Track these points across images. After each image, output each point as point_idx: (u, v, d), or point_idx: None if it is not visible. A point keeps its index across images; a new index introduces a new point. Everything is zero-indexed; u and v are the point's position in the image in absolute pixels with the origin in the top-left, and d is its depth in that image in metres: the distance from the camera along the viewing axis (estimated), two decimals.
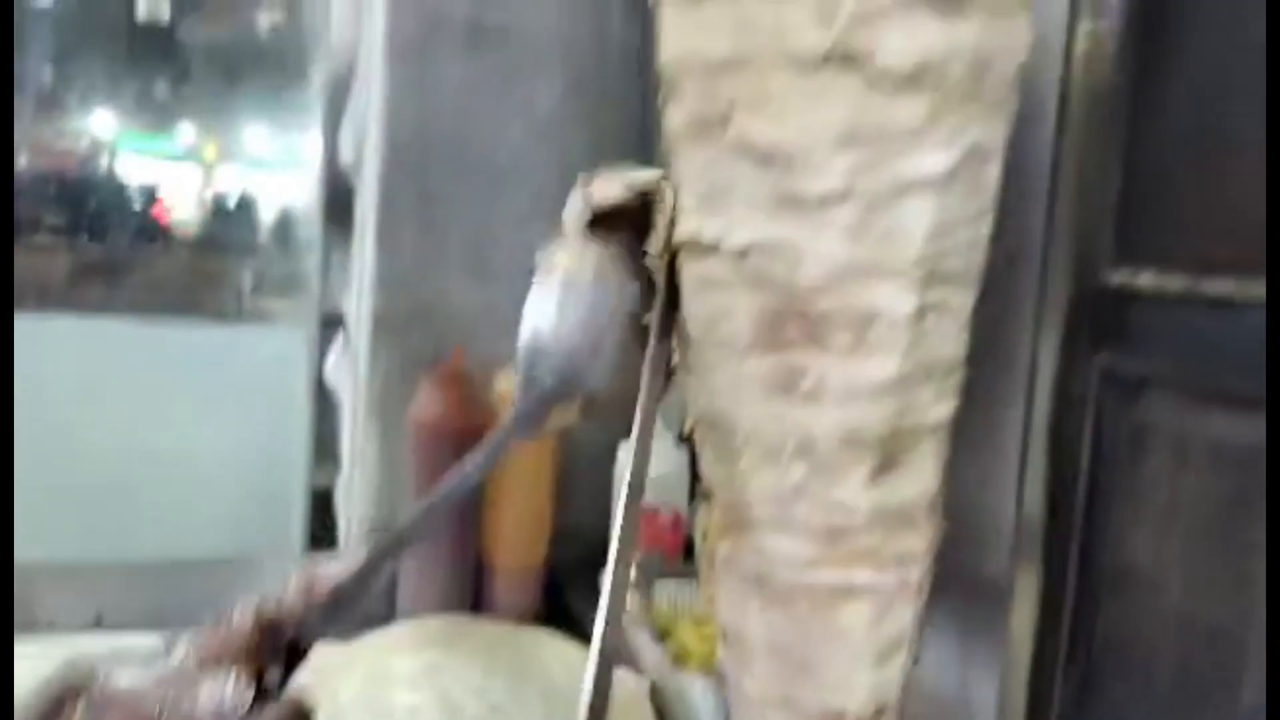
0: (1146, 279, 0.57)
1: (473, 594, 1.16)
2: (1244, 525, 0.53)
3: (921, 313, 0.40)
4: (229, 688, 0.43)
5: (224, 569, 1.19)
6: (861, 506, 0.42)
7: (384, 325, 1.20)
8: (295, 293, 1.65)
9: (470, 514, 1.16)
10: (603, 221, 0.50)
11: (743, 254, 0.40)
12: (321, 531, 1.46)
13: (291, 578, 0.53)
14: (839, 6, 0.37)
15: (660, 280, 0.46)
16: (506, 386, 1.14)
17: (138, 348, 1.50)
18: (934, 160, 0.39)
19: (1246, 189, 0.52)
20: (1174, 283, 0.55)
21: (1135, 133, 0.56)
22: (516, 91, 1.23)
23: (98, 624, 1.08)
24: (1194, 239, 0.54)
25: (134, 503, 1.30)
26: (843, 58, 0.37)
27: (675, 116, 0.43)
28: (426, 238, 1.20)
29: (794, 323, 0.40)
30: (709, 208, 0.42)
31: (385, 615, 1.15)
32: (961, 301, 0.42)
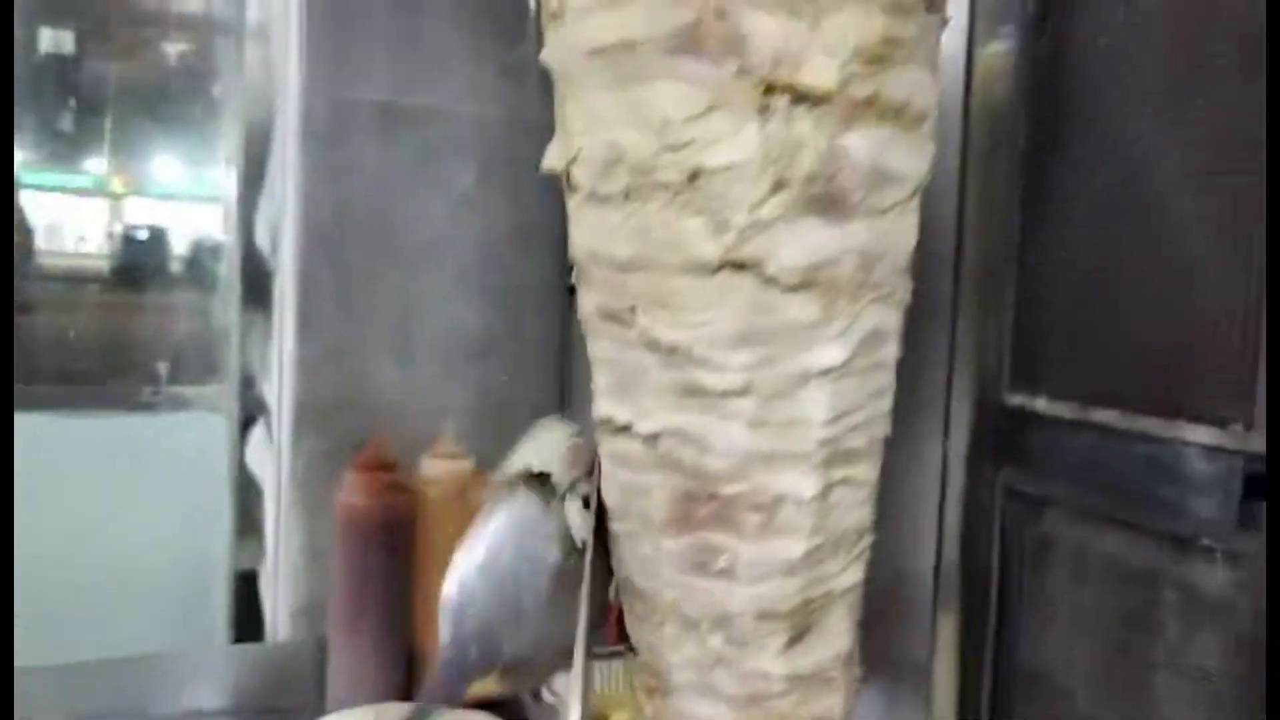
0: (1041, 403, 0.60)
1: (405, 681, 1.16)
2: (1142, 641, 0.56)
3: (826, 492, 0.42)
4: None
5: (151, 665, 1.17)
6: (777, 674, 0.44)
7: (306, 411, 1.19)
8: (212, 378, 1.63)
9: (402, 596, 1.15)
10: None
11: (653, 438, 0.42)
12: (246, 618, 1.44)
13: None
14: (731, 220, 0.39)
15: (589, 527, 0.47)
16: (431, 472, 1.15)
17: (51, 441, 1.47)
18: (830, 353, 0.41)
19: (1128, 326, 0.55)
20: (1065, 409, 0.58)
21: (1027, 271, 0.59)
22: (434, 171, 1.24)
23: None
24: (1081, 370, 0.57)
25: (54, 603, 1.27)
26: (736, 265, 0.39)
27: (587, 302, 0.44)
28: (347, 320, 1.20)
29: (705, 505, 0.42)
30: (621, 393, 0.43)
31: (316, 706, 1.14)
32: (866, 474, 0.44)
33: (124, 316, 1.70)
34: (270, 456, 1.29)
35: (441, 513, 1.16)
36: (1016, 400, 0.62)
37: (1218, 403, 0.49)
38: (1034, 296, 0.60)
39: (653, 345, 0.41)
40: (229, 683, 1.19)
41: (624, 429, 0.43)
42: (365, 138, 1.21)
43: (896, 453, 0.71)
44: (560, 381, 1.29)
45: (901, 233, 0.44)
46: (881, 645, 0.73)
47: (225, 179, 1.57)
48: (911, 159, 0.44)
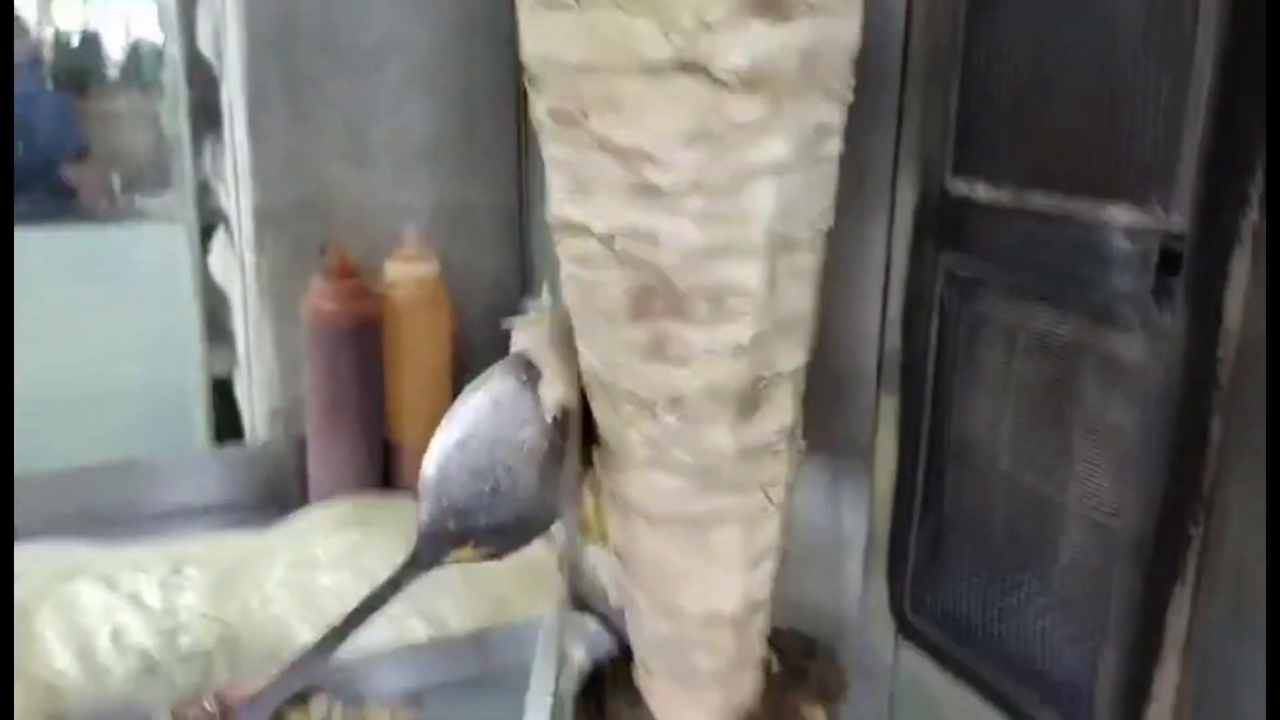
0: (980, 190, 0.63)
1: (382, 472, 1.22)
2: (1062, 407, 0.61)
3: (772, 282, 0.45)
4: None
5: (138, 469, 1.22)
6: (727, 448, 0.48)
7: (266, 218, 1.20)
8: (167, 189, 1.61)
9: (374, 394, 1.20)
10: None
11: (610, 237, 0.45)
12: (226, 422, 1.49)
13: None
14: (679, 21, 0.40)
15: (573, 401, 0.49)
16: (395, 275, 1.17)
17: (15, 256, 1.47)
18: (774, 149, 0.43)
19: (1062, 115, 0.57)
20: (1002, 195, 0.61)
21: (970, 65, 0.61)
22: None
23: (15, 536, 1.10)
24: (1018, 158, 0.60)
25: (38, 414, 1.31)
26: (685, 66, 0.41)
27: (540, 106, 0.46)
28: (299, 125, 1.19)
29: (660, 298, 0.45)
30: (578, 194, 0.45)
31: (300, 500, 1.20)
32: (810, 263, 0.47)
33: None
34: (234, 264, 1.31)
35: (408, 314, 1.19)
36: (958, 188, 0.64)
37: (1140, 186, 0.52)
38: (976, 89, 0.61)
39: (606, 146, 0.43)
40: (214, 482, 1.25)
41: (582, 229, 0.46)
42: None
43: (847, 242, 0.74)
44: (519, 182, 1.29)
45: (844, 31, 0.45)
46: (828, 424, 0.79)
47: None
48: None
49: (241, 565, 1.07)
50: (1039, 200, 0.60)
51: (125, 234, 1.56)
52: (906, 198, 0.68)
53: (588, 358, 0.49)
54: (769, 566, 0.52)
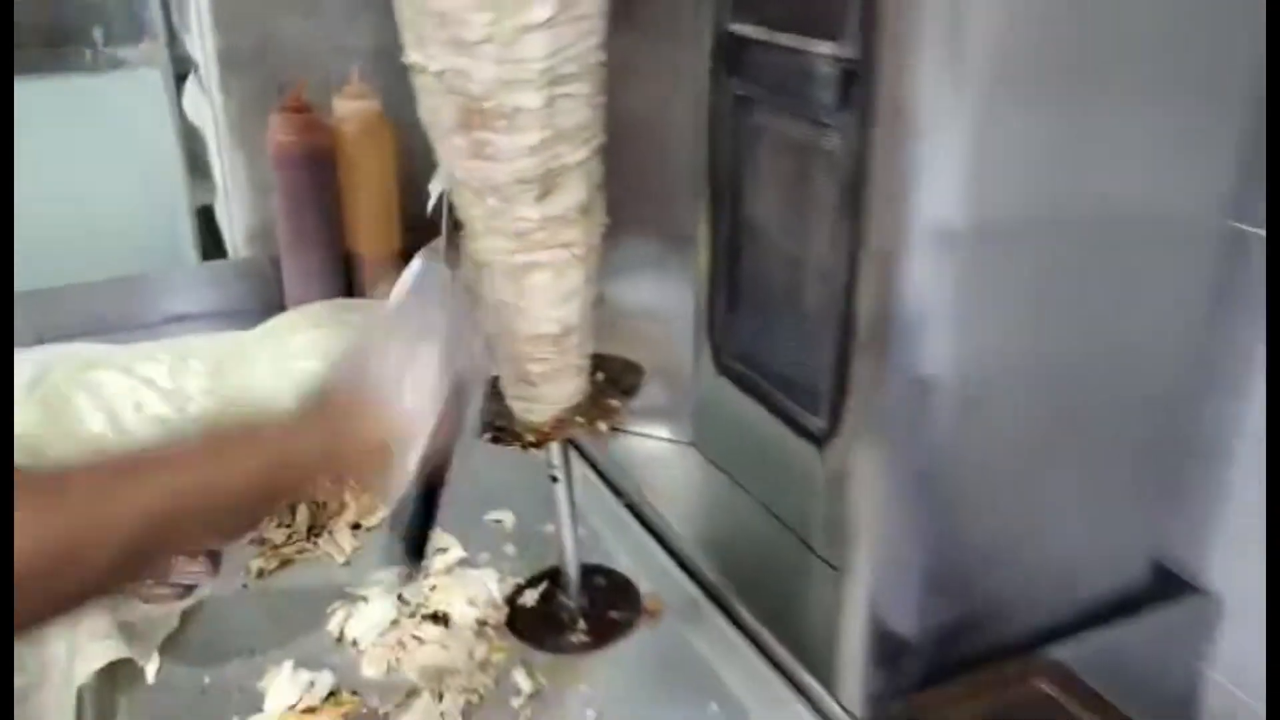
0: (750, 30, 0.84)
1: (345, 279, 1.45)
2: (802, 189, 0.83)
3: (550, 102, 0.66)
4: None
5: (135, 283, 1.45)
6: (533, 217, 0.71)
7: (229, 62, 1.39)
8: (142, 38, 1.79)
9: (332, 213, 1.42)
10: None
11: (440, 74, 0.66)
12: (210, 244, 1.71)
13: None
14: None
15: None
16: (344, 110, 1.37)
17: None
18: (541, 11, 0.63)
19: None
20: (763, 34, 0.82)
21: None
22: None
23: (39, 341, 1.34)
24: (771, 5, 0.80)
25: (46, 241, 1.53)
26: None
27: None
28: None
29: (475, 114, 0.66)
30: (417, 44, 0.66)
31: (278, 306, 1.44)
32: (582, 90, 0.68)
33: None
34: (205, 105, 1.51)
35: (356, 145, 1.40)
36: (737, 29, 0.85)
37: (833, 26, 0.73)
38: None
39: (430, 10, 0.64)
40: (205, 293, 1.49)
41: (423, 69, 0.67)
42: None
43: (668, 70, 0.96)
44: None
45: None
46: (659, 218, 1.02)
47: None
48: None
49: (234, 355, 1.31)
50: (783, 38, 0.81)
51: (109, 81, 1.74)
52: (705, 35, 0.89)
53: (444, 161, 0.71)
54: (577, 302, 0.76)
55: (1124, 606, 0.80)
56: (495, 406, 0.81)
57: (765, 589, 0.87)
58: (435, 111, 0.69)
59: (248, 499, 0.59)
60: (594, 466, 1.06)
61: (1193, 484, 0.84)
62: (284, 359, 1.32)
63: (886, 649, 0.71)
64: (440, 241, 0.79)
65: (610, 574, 0.94)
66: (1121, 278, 0.71)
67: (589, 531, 0.98)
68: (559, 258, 0.74)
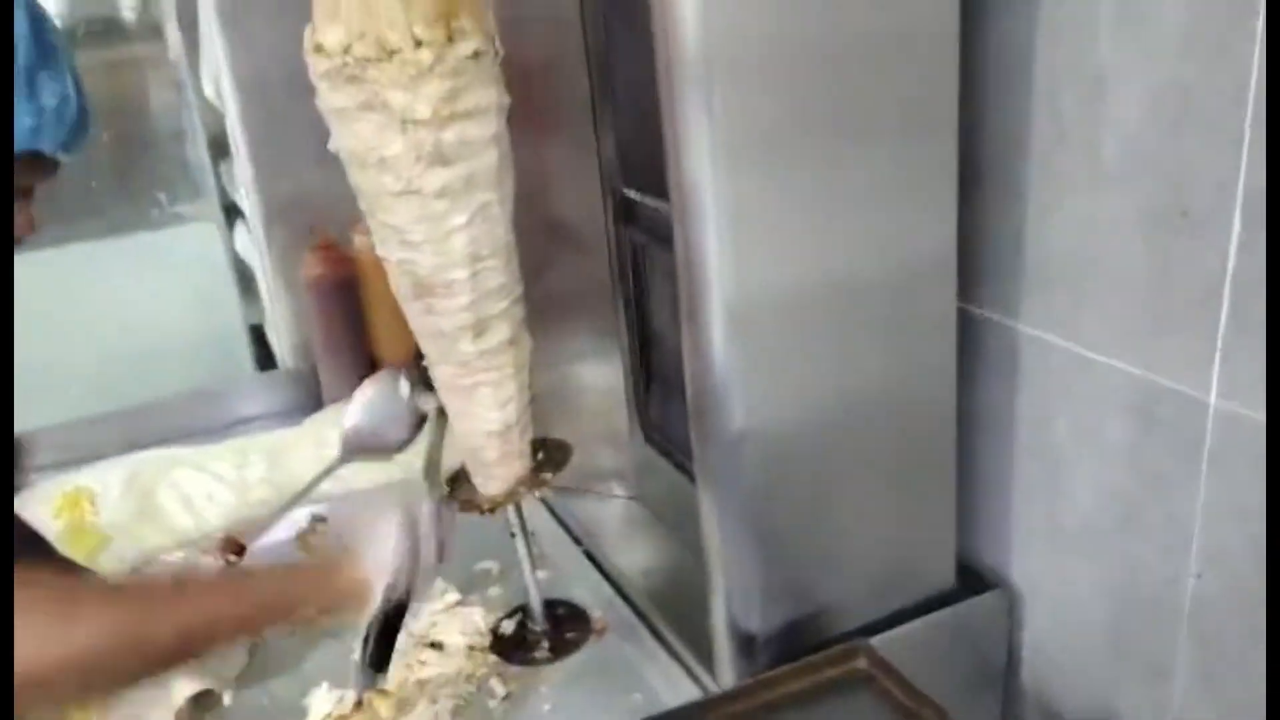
0: (634, 194, 1.14)
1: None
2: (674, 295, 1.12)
3: (474, 275, 0.96)
4: None
5: (203, 395, 1.78)
6: (472, 352, 1.00)
7: (268, 214, 1.73)
8: (199, 198, 2.17)
9: (359, 327, 1.74)
10: None
11: (399, 262, 0.95)
12: (263, 357, 2.06)
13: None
14: (403, 170, 0.91)
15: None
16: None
17: (93, 259, 2.06)
18: (457, 219, 0.93)
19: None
20: (640, 197, 1.12)
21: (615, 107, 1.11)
22: None
23: (132, 447, 1.66)
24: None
25: (125, 364, 1.88)
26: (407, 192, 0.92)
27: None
28: (283, 149, 1.70)
29: (423, 287, 0.97)
30: (382, 244, 0.97)
31: (318, 403, 1.75)
32: (496, 263, 0.97)
33: (124, 160, 2.22)
34: (253, 247, 1.85)
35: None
36: (628, 194, 1.15)
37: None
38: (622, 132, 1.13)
39: (388, 225, 0.94)
40: (260, 399, 1.82)
41: (387, 259, 0.97)
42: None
43: (591, 223, 1.25)
44: None
45: (486, 158, 0.96)
46: (592, 327, 1.31)
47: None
48: None
49: (284, 448, 1.63)
50: (649, 201, 1.11)
51: (173, 235, 2.13)
52: (609, 197, 1.19)
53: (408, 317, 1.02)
54: (513, 406, 1.05)
55: (938, 602, 1.06)
56: (464, 484, 1.11)
57: (683, 606, 1.14)
58: (397, 285, 1.00)
59: (253, 623, 0.88)
60: (560, 522, 1.35)
61: (979, 499, 1.10)
62: (322, 447, 1.63)
63: (740, 642, 0.98)
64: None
65: (570, 605, 1.22)
66: (880, 335, 0.94)
67: (556, 572, 1.27)
68: (494, 378, 1.03)
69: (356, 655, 0.90)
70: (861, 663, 0.97)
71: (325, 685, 1.11)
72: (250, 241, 1.88)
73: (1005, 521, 1.08)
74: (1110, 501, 0.96)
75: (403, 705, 1.08)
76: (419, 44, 0.87)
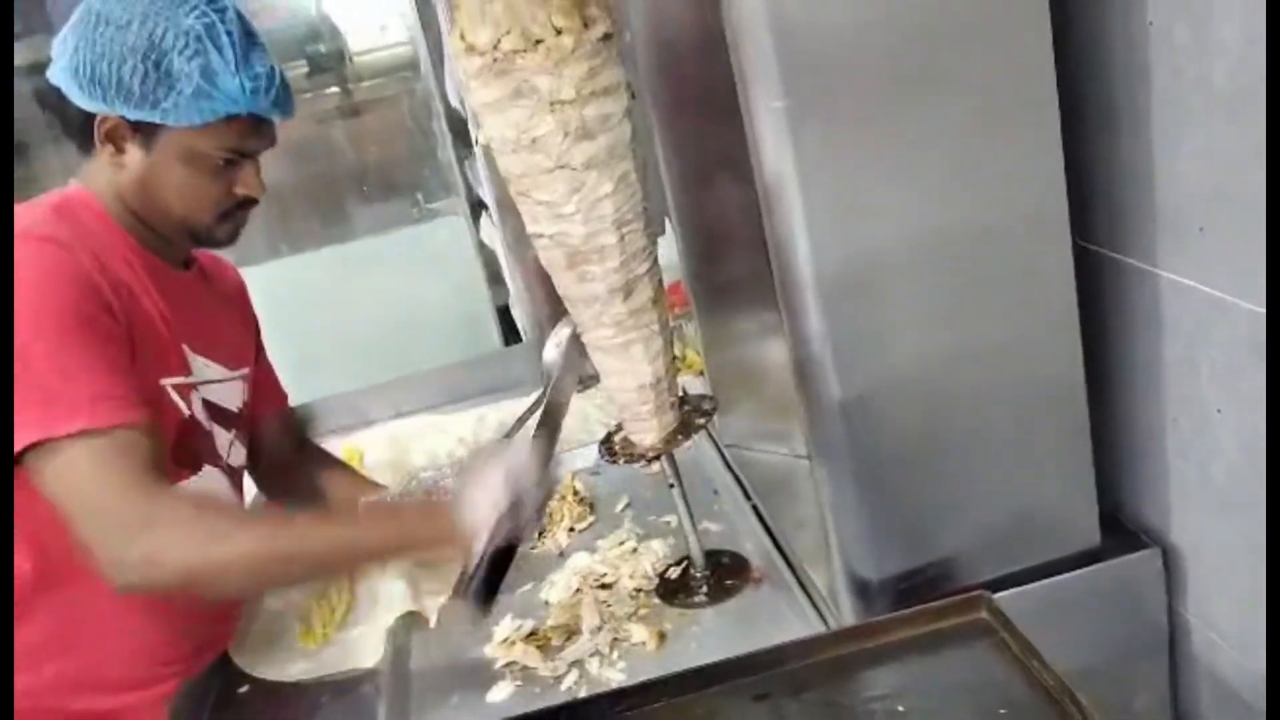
0: None
1: None
2: None
3: (621, 239, 1.04)
4: None
5: (456, 368, 2.01)
6: (623, 311, 1.08)
7: (504, 206, 1.92)
8: (448, 194, 2.46)
9: None
10: None
11: (552, 236, 1.06)
12: (509, 333, 2.30)
13: None
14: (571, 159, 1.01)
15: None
16: None
17: (367, 258, 2.40)
18: (605, 187, 1.02)
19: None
20: None
21: None
22: None
23: (398, 414, 1.91)
24: None
25: (392, 342, 2.18)
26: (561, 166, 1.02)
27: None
28: None
29: (577, 256, 1.07)
30: (534, 221, 1.08)
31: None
32: (638, 227, 1.05)
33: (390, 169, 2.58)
34: (495, 234, 2.05)
35: None
36: None
37: None
38: None
39: (539, 201, 1.05)
40: (506, 370, 2.02)
41: (539, 235, 1.08)
42: None
43: None
44: None
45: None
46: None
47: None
48: None
49: (515, 416, 1.81)
50: None
51: (430, 228, 2.45)
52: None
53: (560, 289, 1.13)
54: (661, 362, 1.14)
55: (1081, 560, 1.03)
56: (623, 439, 1.22)
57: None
58: (550, 259, 1.11)
59: (380, 553, 1.11)
60: (737, 479, 1.42)
61: (1125, 454, 1.05)
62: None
63: (857, 587, 1.02)
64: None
65: (734, 555, 1.29)
66: (989, 290, 0.94)
67: (728, 525, 1.35)
68: (645, 335, 1.13)
69: (463, 590, 1.01)
70: (982, 613, 0.98)
71: (509, 615, 1.26)
72: (493, 229, 2.09)
73: (1159, 478, 1.04)
74: (1257, 456, 0.91)
75: (569, 634, 1.20)
76: (559, 32, 0.99)
